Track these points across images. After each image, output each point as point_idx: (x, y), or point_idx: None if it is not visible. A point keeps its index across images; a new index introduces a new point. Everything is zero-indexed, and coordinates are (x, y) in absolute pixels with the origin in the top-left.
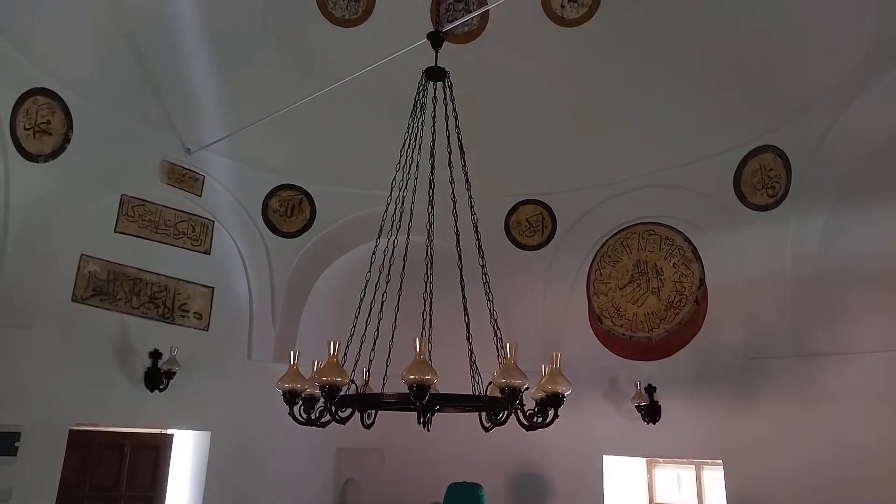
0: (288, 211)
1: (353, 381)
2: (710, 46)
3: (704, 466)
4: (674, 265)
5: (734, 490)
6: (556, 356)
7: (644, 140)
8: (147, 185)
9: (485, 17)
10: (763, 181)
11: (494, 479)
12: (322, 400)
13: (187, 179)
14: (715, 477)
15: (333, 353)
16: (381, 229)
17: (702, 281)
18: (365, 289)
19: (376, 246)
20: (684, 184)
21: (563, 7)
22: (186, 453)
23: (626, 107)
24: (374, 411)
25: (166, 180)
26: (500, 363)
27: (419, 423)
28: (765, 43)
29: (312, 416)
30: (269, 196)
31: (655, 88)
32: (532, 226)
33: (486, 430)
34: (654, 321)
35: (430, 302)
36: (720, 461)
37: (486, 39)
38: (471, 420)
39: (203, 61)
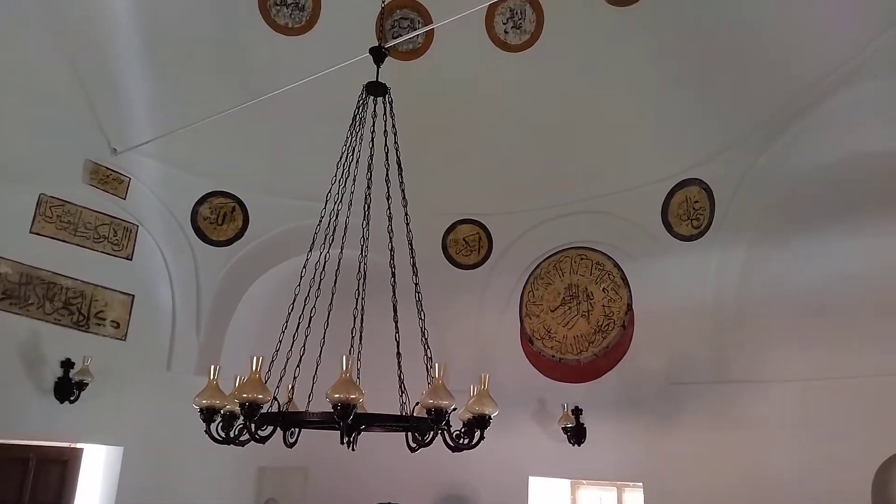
0: (219, 219)
1: (276, 399)
2: (643, 86)
3: (625, 488)
4: (604, 290)
5: None
6: (484, 377)
7: (579, 167)
8: (68, 185)
9: (430, 36)
10: (689, 212)
11: (421, 499)
12: (242, 418)
13: (112, 181)
14: (635, 499)
15: (256, 368)
16: (313, 242)
17: (629, 306)
18: (293, 303)
19: (307, 259)
20: (616, 211)
21: (506, 33)
22: (97, 469)
23: (563, 134)
24: (297, 430)
25: (89, 181)
26: (429, 383)
27: (342, 442)
28: (693, 85)
29: (231, 435)
30: (200, 202)
31: (592, 119)
32: (469, 245)
33: (412, 450)
34: (582, 344)
35: (362, 319)
36: (640, 483)
37: (430, 58)
38: (398, 439)
39: (136, 60)
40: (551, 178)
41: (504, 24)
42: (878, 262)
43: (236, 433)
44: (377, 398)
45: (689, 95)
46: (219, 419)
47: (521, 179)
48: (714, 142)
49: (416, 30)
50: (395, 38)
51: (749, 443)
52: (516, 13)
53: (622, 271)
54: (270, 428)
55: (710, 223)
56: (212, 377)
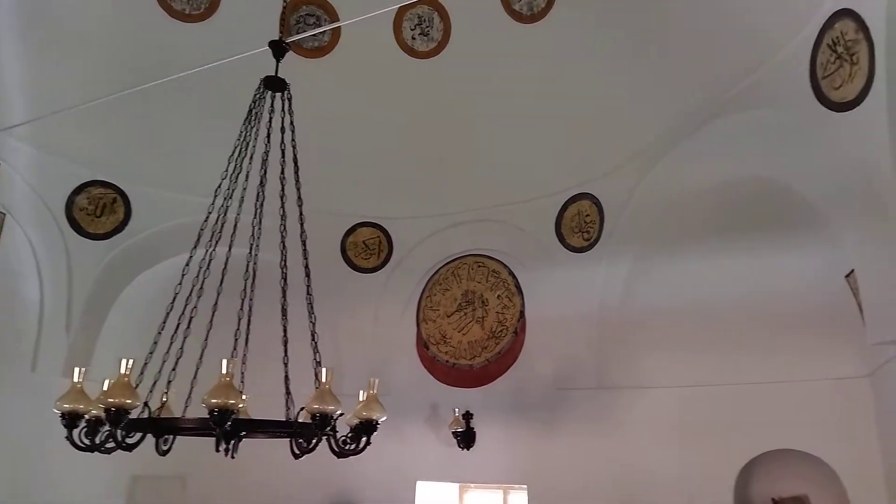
0: (98, 210)
1: (147, 404)
2: (543, 101)
3: (511, 490)
4: (498, 297)
5: None
6: (374, 382)
7: (480, 176)
8: None
9: (337, 35)
10: (580, 225)
11: None
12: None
13: None
14: (520, 500)
15: (125, 371)
16: (198, 238)
17: (522, 313)
18: (173, 302)
19: (191, 256)
20: (513, 221)
21: (413, 39)
22: None
23: (466, 143)
24: (172, 437)
25: None
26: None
27: (217, 450)
28: (589, 105)
29: (97, 441)
30: (77, 192)
31: (493, 130)
32: (369, 248)
33: (296, 457)
34: (476, 349)
35: (249, 321)
36: (525, 485)
37: (336, 58)
38: (284, 446)
39: (12, 39)
40: (453, 186)
41: (412, 29)
42: (747, 279)
43: (102, 440)
44: (265, 403)
45: (586, 114)
46: (83, 425)
47: (424, 185)
48: (606, 160)
49: (321, 27)
50: (299, 32)
51: (626, 446)
52: (424, 20)
53: (516, 279)
54: (139, 435)
55: (599, 236)
56: (75, 379)
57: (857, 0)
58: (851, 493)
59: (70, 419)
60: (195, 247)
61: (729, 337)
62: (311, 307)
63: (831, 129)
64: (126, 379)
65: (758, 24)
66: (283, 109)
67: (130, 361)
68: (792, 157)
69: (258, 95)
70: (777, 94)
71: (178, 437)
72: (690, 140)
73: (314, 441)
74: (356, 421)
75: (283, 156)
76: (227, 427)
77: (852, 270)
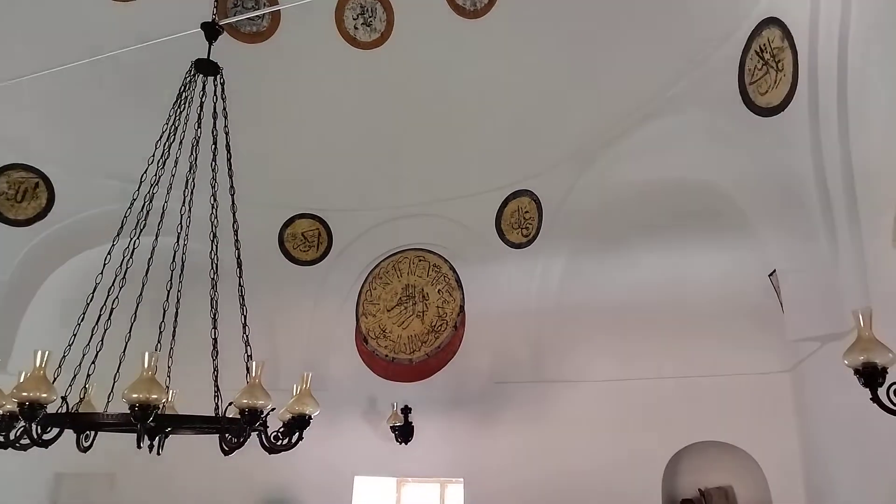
0: (18, 195)
1: (65, 398)
2: (485, 97)
3: (448, 484)
4: (439, 291)
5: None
6: (306, 376)
7: (422, 170)
8: None
9: (276, 20)
10: (519, 221)
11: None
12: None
13: None
14: (457, 493)
15: (40, 364)
16: (122, 226)
17: (461, 308)
18: (93, 292)
19: (113, 245)
20: (454, 216)
21: (356, 28)
22: None
23: (408, 136)
24: (93, 434)
25: None
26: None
27: (138, 446)
28: (530, 102)
29: (11, 437)
30: None
31: (434, 125)
32: (307, 240)
33: (226, 453)
34: (416, 344)
35: (176, 313)
36: (461, 479)
37: (275, 44)
38: (215, 441)
39: None
40: (395, 180)
41: (355, 19)
42: (676, 277)
43: (17, 436)
44: (195, 399)
45: (527, 111)
46: None
47: (365, 178)
48: (545, 157)
49: (258, 10)
50: (235, 16)
51: (559, 438)
52: (367, 10)
53: (457, 274)
54: (56, 430)
55: (537, 233)
56: None
57: (784, 9)
58: (772, 483)
59: None
60: (118, 234)
61: (658, 332)
62: (243, 299)
63: (757, 132)
64: (41, 372)
65: (692, 29)
66: (215, 94)
67: (46, 353)
68: (720, 159)
69: (188, 79)
70: (708, 98)
71: (105, 434)
72: (626, 140)
73: (243, 437)
74: (288, 416)
75: (215, 142)
76: (150, 423)
77: (775, 269)
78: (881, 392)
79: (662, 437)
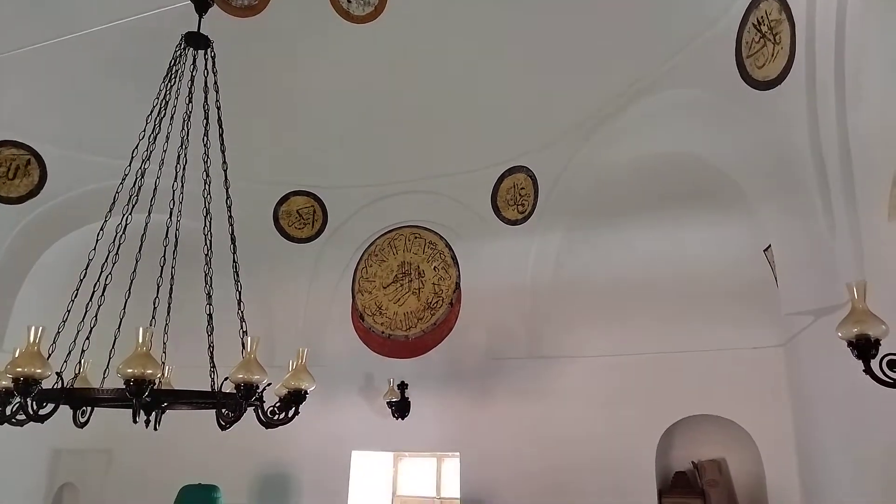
0: (10, 172)
1: (60, 374)
2: (484, 72)
3: (445, 458)
4: (434, 268)
5: (467, 477)
6: (303, 351)
7: (417, 146)
8: None
9: None
10: (515, 198)
11: (238, 478)
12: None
13: None
14: (453, 466)
15: (34, 340)
16: (113, 203)
17: (457, 285)
18: (86, 269)
19: (106, 221)
20: (450, 193)
21: (349, 2)
22: None
23: (403, 112)
24: (89, 409)
25: None
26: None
27: (134, 421)
28: (528, 79)
29: (7, 413)
30: None
31: (431, 99)
32: (303, 218)
33: (222, 428)
34: (412, 320)
35: (170, 289)
36: (458, 453)
37: (267, 18)
38: (211, 417)
39: None
40: (390, 156)
41: None
42: (672, 252)
43: (13, 411)
44: (193, 375)
45: (526, 86)
46: None
47: (360, 155)
48: (542, 134)
49: None
50: None
51: (555, 413)
52: None
53: (452, 251)
54: (52, 406)
55: (533, 209)
56: None
57: None
58: (764, 456)
59: None
60: (110, 211)
61: (653, 308)
62: (237, 275)
63: (754, 106)
64: (35, 348)
65: (689, 1)
66: (206, 68)
67: (40, 329)
68: (717, 134)
69: (179, 52)
70: (705, 72)
71: (103, 410)
72: (623, 115)
73: (240, 411)
74: (284, 391)
75: (207, 117)
76: (145, 398)
77: (770, 244)
78: (874, 364)
79: (656, 411)
